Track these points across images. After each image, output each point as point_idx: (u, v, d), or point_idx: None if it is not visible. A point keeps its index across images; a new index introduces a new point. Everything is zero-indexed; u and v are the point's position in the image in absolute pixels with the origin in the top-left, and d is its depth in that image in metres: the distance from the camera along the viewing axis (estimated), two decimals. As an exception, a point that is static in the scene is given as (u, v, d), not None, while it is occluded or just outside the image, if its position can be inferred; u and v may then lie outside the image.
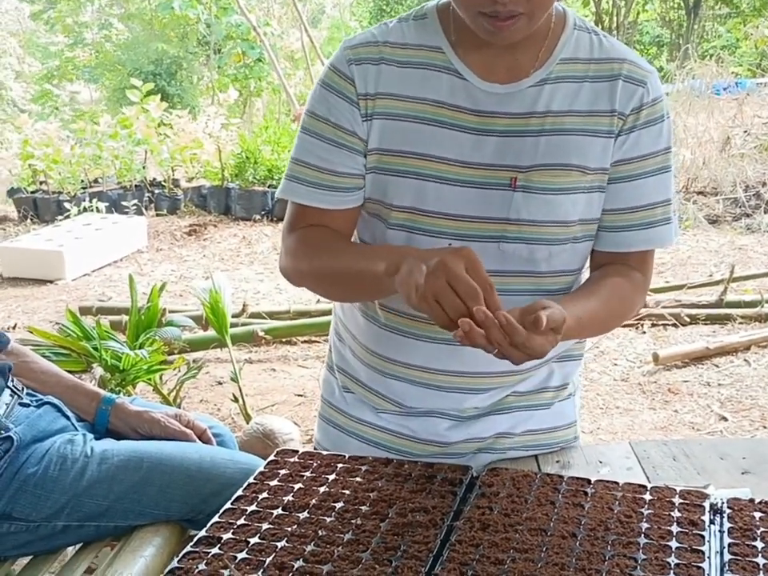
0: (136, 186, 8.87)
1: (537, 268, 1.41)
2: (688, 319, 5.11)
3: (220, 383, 4.56)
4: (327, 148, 1.39)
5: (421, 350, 1.39)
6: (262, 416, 3.80)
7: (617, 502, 1.28)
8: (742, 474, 1.48)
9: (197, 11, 14.90)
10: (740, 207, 7.84)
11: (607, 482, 1.35)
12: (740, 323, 5.03)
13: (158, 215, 8.58)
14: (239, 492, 1.34)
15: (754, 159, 8.45)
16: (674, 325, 5.08)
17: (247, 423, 3.72)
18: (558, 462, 1.54)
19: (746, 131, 9.01)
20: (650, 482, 1.41)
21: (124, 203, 8.35)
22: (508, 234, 1.37)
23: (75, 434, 1.74)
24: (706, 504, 1.28)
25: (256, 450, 3.36)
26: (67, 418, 1.79)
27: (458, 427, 1.51)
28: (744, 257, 6.64)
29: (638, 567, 1.12)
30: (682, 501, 1.29)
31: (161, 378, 3.77)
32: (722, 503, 1.29)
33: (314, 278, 1.47)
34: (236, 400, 3.82)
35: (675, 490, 1.33)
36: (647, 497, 1.30)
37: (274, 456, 1.45)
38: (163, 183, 9.00)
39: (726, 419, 3.95)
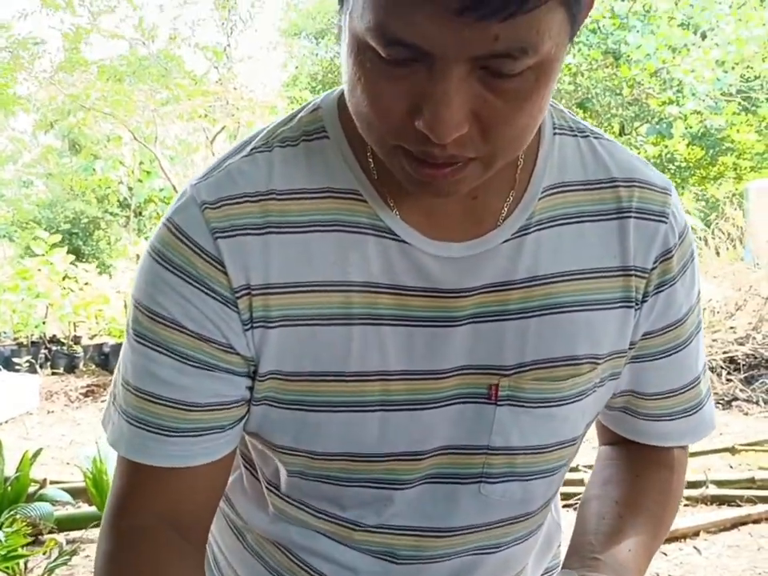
0: (32, 342, 8.32)
1: (532, 507, 0.94)
2: (629, 501, 4.70)
3: (101, 569, 3.91)
4: (186, 371, 0.81)
5: None
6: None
7: None
8: None
9: (119, 174, 14.84)
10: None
11: None
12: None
13: (53, 374, 8.00)
14: None
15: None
16: (615, 507, 4.67)
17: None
18: None
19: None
20: None
21: (16, 360, 7.73)
22: (492, 470, 0.89)
23: None
24: None
25: None
26: None
27: None
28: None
29: None
30: None
31: (25, 565, 3.15)
32: None
33: None
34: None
35: None
36: None
37: None
38: (63, 340, 8.47)
39: (682, 618, 3.48)
